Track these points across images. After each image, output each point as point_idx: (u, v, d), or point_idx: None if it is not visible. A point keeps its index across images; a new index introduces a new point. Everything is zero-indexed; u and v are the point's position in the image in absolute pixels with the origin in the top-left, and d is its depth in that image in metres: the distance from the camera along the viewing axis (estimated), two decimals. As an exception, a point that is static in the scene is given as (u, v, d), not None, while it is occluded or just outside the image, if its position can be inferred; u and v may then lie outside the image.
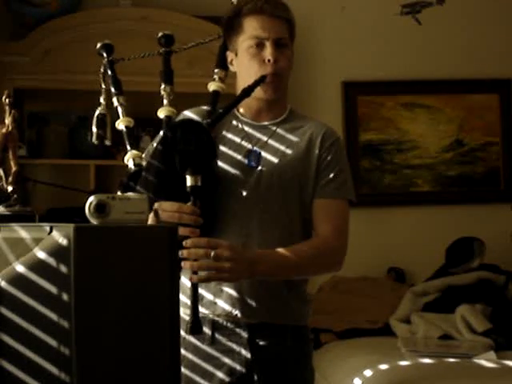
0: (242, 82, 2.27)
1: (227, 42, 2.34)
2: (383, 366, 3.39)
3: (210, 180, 2.17)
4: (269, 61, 2.23)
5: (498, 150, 4.85)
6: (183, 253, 2.05)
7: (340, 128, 4.61)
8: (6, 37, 4.36)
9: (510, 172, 4.84)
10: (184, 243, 2.05)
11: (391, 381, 3.27)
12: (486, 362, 3.44)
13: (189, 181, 2.11)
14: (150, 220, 2.04)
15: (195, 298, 2.12)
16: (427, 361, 3.47)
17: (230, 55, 2.33)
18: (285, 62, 2.27)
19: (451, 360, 3.48)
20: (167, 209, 2.09)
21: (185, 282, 2.25)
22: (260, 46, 2.24)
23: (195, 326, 2.10)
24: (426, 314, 4.07)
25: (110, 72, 2.36)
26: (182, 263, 2.06)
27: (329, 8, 4.76)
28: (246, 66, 2.27)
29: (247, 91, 2.22)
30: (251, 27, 2.25)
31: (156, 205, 2.11)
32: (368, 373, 3.36)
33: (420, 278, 4.49)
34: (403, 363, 3.44)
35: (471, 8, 4.86)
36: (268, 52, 2.23)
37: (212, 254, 2.04)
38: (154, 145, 2.32)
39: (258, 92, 2.25)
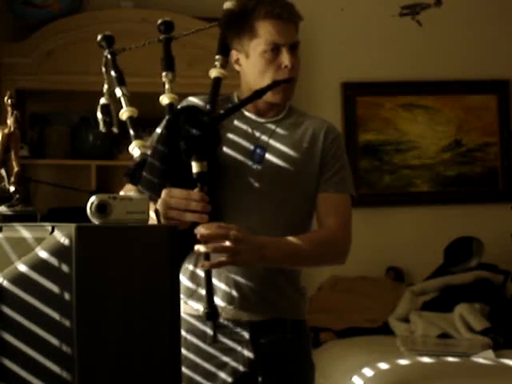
0: (254, 85, 2.26)
1: (232, 40, 2.31)
2: (383, 365, 3.40)
3: (213, 172, 2.17)
4: (285, 67, 2.24)
5: (496, 151, 4.86)
6: (203, 234, 2.03)
7: (339, 128, 4.56)
8: (8, 38, 4.37)
9: (508, 172, 4.85)
10: (196, 230, 2.05)
11: (391, 380, 3.28)
12: (484, 360, 3.44)
13: (195, 167, 2.11)
14: (151, 219, 2.04)
15: (209, 285, 2.12)
16: (426, 360, 3.47)
17: (236, 54, 2.31)
18: (298, 66, 2.28)
19: (450, 359, 3.49)
20: (176, 195, 2.09)
21: (182, 280, 2.27)
22: (275, 50, 2.23)
23: (211, 312, 2.11)
24: (425, 313, 4.08)
25: (111, 63, 2.37)
26: (196, 247, 2.06)
27: (328, 9, 4.77)
28: (260, 70, 2.26)
29: (259, 94, 2.22)
30: (267, 32, 2.23)
31: (164, 191, 2.10)
32: (367, 372, 3.37)
33: (419, 278, 4.51)
34: (402, 362, 3.45)
35: (470, 9, 4.86)
36: (285, 58, 2.23)
37: (231, 233, 2.03)
38: (158, 130, 2.33)
39: (270, 96, 2.25)
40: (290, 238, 2.19)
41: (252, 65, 2.28)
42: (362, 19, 4.79)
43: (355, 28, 4.79)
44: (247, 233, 2.10)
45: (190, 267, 2.25)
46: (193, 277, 2.25)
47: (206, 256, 2.10)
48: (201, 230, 2.04)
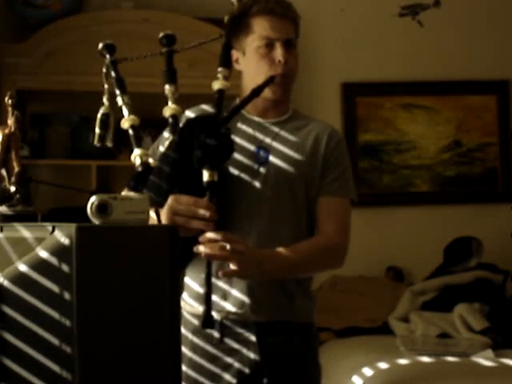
0: (251, 82, 2.28)
1: (233, 41, 2.34)
2: (382, 365, 3.39)
3: (221, 180, 2.18)
4: (279, 61, 2.24)
5: (495, 151, 4.85)
6: (199, 248, 2.06)
7: (339, 128, 4.60)
8: (8, 38, 4.37)
9: (507, 172, 4.85)
10: (200, 238, 2.06)
11: (390, 379, 3.27)
12: (483, 360, 3.43)
13: (206, 176, 2.11)
14: (151, 219, 2.04)
15: (209, 294, 2.12)
16: (426, 359, 3.47)
17: (235, 54, 2.33)
18: (294, 62, 2.29)
19: (449, 358, 3.48)
20: (184, 202, 2.10)
21: (187, 282, 2.27)
22: (269, 46, 2.25)
23: (208, 320, 2.11)
24: (425, 312, 4.08)
25: (112, 72, 2.35)
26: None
27: (328, 9, 4.77)
28: (255, 66, 2.28)
29: (256, 91, 2.22)
30: (261, 27, 2.26)
31: (171, 197, 2.11)
32: (367, 371, 3.37)
33: (418, 277, 4.50)
34: (402, 362, 3.44)
35: (469, 9, 4.86)
36: (278, 53, 2.25)
37: (228, 247, 2.05)
38: (161, 148, 2.32)
39: (267, 92, 2.26)
40: (289, 250, 2.19)
41: (248, 61, 2.30)
42: (362, 19, 4.78)
43: (355, 28, 4.78)
44: (248, 246, 2.12)
45: (202, 274, 2.22)
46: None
47: (208, 264, 2.11)
48: (203, 238, 2.06)
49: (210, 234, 2.07)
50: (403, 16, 4.80)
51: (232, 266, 2.08)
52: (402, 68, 4.80)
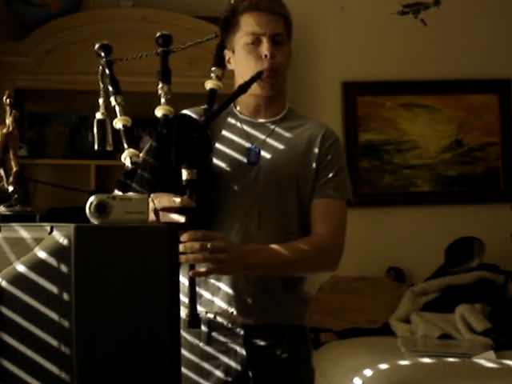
0: (240, 79, 2.27)
1: (224, 41, 2.34)
2: (383, 366, 3.39)
3: (206, 177, 2.17)
4: (265, 56, 2.23)
5: (497, 150, 4.86)
6: (179, 248, 2.05)
7: (340, 128, 4.62)
8: (7, 37, 4.37)
9: (509, 172, 4.85)
10: (181, 238, 2.04)
11: (391, 380, 3.27)
12: (485, 361, 3.44)
13: (184, 175, 2.10)
14: (150, 218, 2.03)
15: (193, 293, 2.11)
16: (427, 360, 3.47)
17: (227, 54, 2.33)
18: (282, 57, 2.27)
19: (451, 360, 3.48)
20: (165, 201, 2.08)
21: (181, 280, 2.26)
22: (256, 42, 2.24)
23: (193, 320, 2.10)
24: (426, 313, 4.08)
25: (108, 72, 2.35)
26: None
27: (328, 8, 4.77)
28: (242, 63, 2.27)
29: (243, 87, 2.21)
30: (247, 24, 2.25)
31: (152, 195, 2.09)
32: (368, 372, 3.36)
33: (419, 278, 4.50)
34: (403, 363, 3.44)
35: (471, 8, 4.87)
36: (264, 47, 2.23)
37: (208, 245, 2.03)
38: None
39: (255, 88, 2.25)
40: (277, 246, 2.17)
41: (237, 59, 2.30)
42: (362, 18, 4.79)
43: (355, 27, 4.79)
44: (230, 241, 2.11)
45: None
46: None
47: (191, 264, 2.10)
48: (184, 238, 2.05)
49: (190, 233, 2.05)
50: (404, 14, 4.79)
51: (207, 266, 2.07)
52: (402, 67, 4.80)
